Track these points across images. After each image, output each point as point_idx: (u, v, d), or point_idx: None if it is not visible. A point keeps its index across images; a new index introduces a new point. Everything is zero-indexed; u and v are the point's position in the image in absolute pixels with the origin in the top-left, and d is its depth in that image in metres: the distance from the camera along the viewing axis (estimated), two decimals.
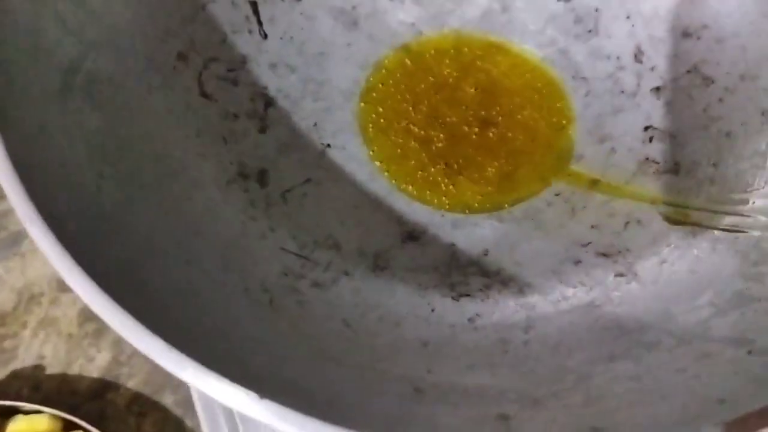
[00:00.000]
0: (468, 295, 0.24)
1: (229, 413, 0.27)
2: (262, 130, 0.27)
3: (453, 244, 0.26)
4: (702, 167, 0.26)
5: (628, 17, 0.30)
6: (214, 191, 0.24)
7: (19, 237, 0.46)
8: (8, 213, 0.46)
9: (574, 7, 0.31)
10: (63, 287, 0.45)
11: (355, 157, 0.28)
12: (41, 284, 0.45)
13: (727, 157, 0.25)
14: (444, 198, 0.27)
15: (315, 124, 0.28)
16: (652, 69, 0.29)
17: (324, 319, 0.21)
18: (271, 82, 0.28)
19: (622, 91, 0.29)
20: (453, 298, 0.24)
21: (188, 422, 0.42)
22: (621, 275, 0.24)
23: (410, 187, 0.28)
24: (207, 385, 0.14)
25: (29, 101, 0.19)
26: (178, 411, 0.42)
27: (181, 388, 0.43)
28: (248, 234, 0.23)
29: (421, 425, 0.15)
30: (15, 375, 0.43)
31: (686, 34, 0.29)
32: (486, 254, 0.26)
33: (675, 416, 0.15)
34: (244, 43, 0.28)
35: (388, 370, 0.19)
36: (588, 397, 0.18)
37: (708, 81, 0.28)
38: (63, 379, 0.43)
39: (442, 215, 0.27)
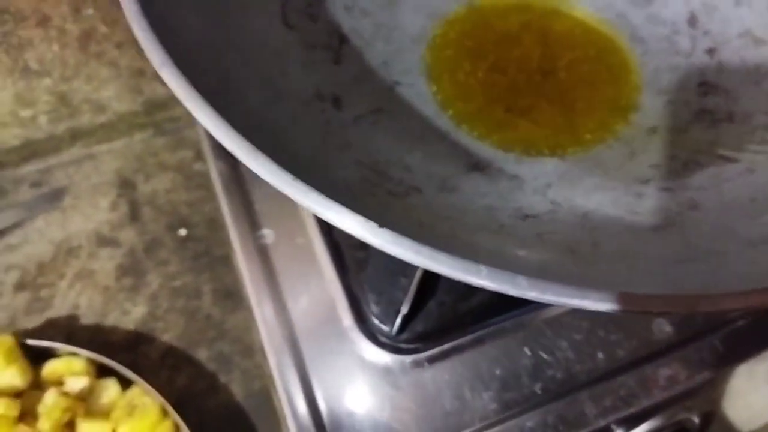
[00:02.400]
0: (535, 217, 0.25)
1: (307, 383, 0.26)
2: (337, 62, 0.28)
3: (517, 176, 0.27)
4: (756, 116, 0.27)
5: None
6: (295, 105, 0.25)
7: (60, 192, 0.47)
8: (51, 169, 0.48)
9: None
10: (102, 242, 0.46)
11: (422, 95, 0.29)
12: (80, 238, 0.46)
13: None
14: (506, 136, 0.28)
15: (385, 63, 0.29)
16: (706, 33, 0.31)
17: (400, 217, 0.22)
18: (346, 22, 0.29)
19: (677, 52, 0.31)
20: (520, 218, 0.25)
21: (222, 378, 0.42)
22: (683, 205, 0.25)
23: (472, 124, 0.29)
24: (330, 212, 0.15)
25: None
26: (211, 366, 0.42)
27: (215, 343, 0.43)
28: (327, 144, 0.24)
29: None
30: (50, 323, 0.43)
31: (738, 2, 0.30)
32: (549, 186, 0.26)
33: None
34: None
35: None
36: (665, 282, 0.19)
37: (760, 42, 0.29)
38: (97, 329, 0.43)
39: (505, 152, 0.28)
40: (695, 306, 0.15)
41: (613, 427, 0.27)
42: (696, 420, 0.29)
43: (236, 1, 0.25)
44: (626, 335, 0.27)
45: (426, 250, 0.15)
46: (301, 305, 0.27)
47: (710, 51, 0.30)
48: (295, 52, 0.27)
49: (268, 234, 0.29)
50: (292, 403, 0.25)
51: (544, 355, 0.27)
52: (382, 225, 0.15)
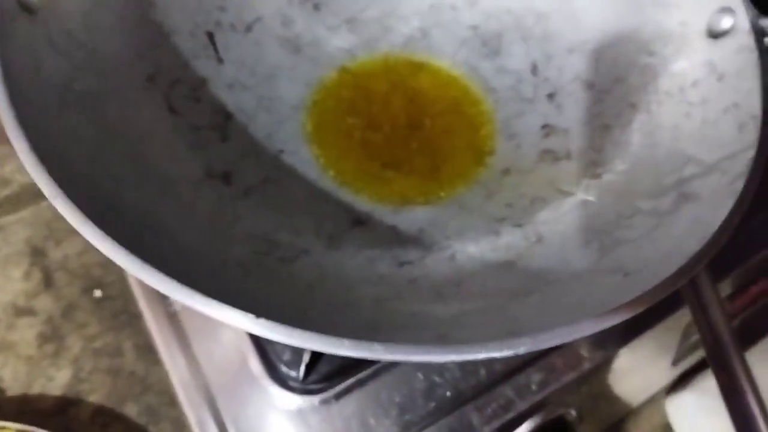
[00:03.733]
0: (409, 263, 0.29)
1: None
2: (224, 139, 0.31)
3: (394, 226, 0.31)
4: (588, 153, 0.32)
5: (524, 40, 0.37)
6: (187, 188, 0.28)
7: None
8: None
9: (480, 33, 0.37)
10: (19, 312, 0.47)
11: (305, 160, 0.33)
12: None
13: (607, 143, 0.32)
14: (382, 190, 0.32)
15: (269, 134, 0.33)
16: (546, 80, 0.36)
17: (289, 284, 0.26)
18: (229, 100, 0.32)
19: (523, 98, 0.35)
20: (397, 266, 0.28)
21: (152, 430, 0.44)
22: (530, 239, 0.29)
23: (352, 182, 0.32)
24: (213, 311, 0.18)
25: (37, 111, 0.22)
26: (141, 420, 0.44)
27: (142, 397, 0.45)
28: (220, 222, 0.27)
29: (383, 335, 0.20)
30: None
31: (571, 50, 0.35)
32: (421, 232, 0.31)
33: (569, 318, 0.20)
34: (203, 67, 0.32)
35: (344, 321, 0.24)
36: (505, 320, 0.23)
37: (590, 85, 0.34)
38: (23, 399, 0.44)
39: (383, 204, 0.32)
40: (516, 347, 0.19)
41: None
42: (573, 412, 0.34)
43: (120, 99, 0.28)
44: None
45: (297, 333, 0.18)
46: (213, 362, 0.30)
47: (550, 96, 0.35)
48: (182, 135, 0.30)
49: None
50: None
51: (436, 378, 0.31)
52: (259, 315, 0.18)
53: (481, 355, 0.19)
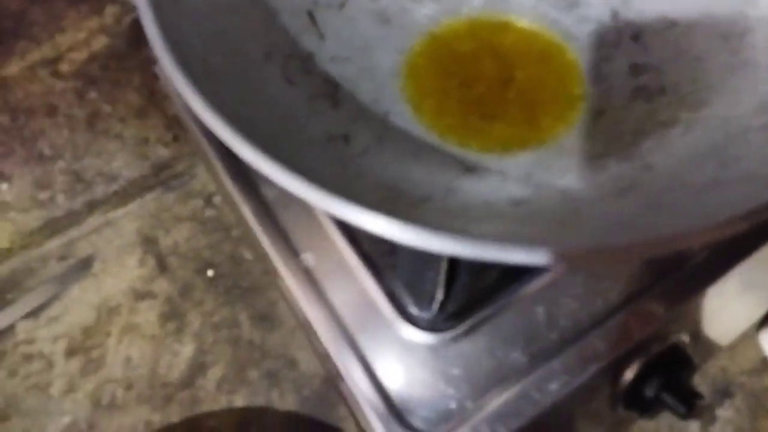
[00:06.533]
0: (526, 202, 0.30)
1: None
2: (335, 106, 0.34)
3: (502, 172, 0.33)
4: (682, 85, 0.33)
5: None
6: (316, 149, 0.30)
7: (88, 261, 0.51)
8: (74, 241, 0.52)
9: None
10: (138, 296, 0.50)
11: (410, 120, 0.35)
12: (117, 297, 0.50)
13: (700, 75, 0.33)
14: (485, 140, 0.34)
15: (375, 99, 0.35)
16: (627, 23, 0.37)
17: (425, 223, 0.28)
18: (334, 71, 0.35)
19: (607, 43, 0.37)
20: (514, 205, 0.30)
21: (275, 392, 0.47)
22: (638, 170, 0.31)
23: (456, 136, 0.34)
24: (368, 220, 0.20)
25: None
26: (263, 384, 0.48)
27: (262, 363, 0.48)
28: (349, 175, 0.30)
29: None
30: (107, 379, 0.48)
31: None
32: (530, 175, 0.32)
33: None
34: (309, 42, 0.35)
35: None
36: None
37: (673, 23, 0.35)
38: (152, 375, 0.48)
39: (488, 153, 0.34)
40: (655, 248, 0.21)
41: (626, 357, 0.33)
42: (686, 339, 0.35)
43: (246, 75, 0.30)
44: (614, 281, 0.33)
45: (448, 236, 0.20)
46: (350, 311, 0.33)
47: (634, 37, 0.36)
48: (301, 104, 0.32)
49: (308, 257, 0.34)
50: (363, 392, 0.31)
51: (554, 310, 0.33)
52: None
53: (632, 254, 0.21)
